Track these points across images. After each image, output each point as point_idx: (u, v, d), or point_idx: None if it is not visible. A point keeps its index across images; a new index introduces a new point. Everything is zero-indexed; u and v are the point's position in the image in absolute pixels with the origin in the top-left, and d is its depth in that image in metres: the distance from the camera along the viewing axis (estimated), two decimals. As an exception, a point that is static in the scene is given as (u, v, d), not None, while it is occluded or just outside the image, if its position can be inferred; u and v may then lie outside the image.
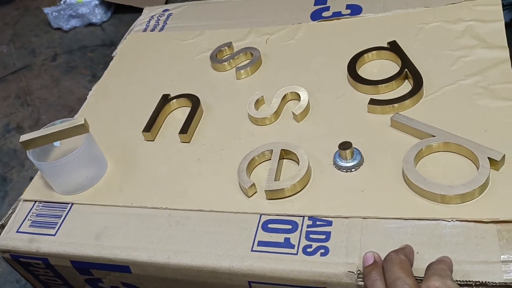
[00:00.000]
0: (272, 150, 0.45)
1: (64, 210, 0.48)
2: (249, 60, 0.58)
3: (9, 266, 0.50)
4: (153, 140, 0.52)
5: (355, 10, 0.62)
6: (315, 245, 0.39)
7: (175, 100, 0.55)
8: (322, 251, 0.38)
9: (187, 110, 0.54)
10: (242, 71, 0.57)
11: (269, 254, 0.39)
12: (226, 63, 0.59)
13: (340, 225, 0.39)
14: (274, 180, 0.43)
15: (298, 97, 0.51)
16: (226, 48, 0.61)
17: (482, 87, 0.46)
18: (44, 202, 0.49)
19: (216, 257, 0.40)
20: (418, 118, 0.44)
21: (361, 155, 0.44)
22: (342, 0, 0.64)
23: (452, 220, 0.37)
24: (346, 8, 0.62)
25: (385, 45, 0.53)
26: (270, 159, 0.45)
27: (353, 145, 0.43)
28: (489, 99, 0.45)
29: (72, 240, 0.45)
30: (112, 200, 0.47)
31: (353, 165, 0.43)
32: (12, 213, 0.50)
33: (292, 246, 0.39)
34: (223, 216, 0.43)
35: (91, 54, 1.23)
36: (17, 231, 0.48)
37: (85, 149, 0.48)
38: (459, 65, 0.49)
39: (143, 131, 0.52)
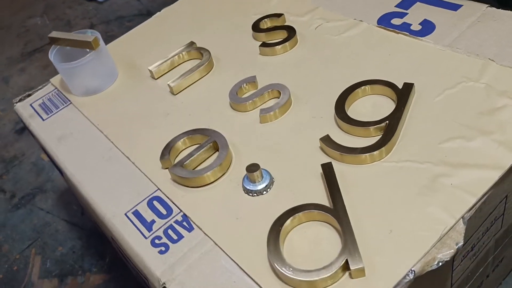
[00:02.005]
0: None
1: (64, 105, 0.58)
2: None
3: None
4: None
5: (426, 29, 0.52)
6: (163, 240, 0.39)
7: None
8: (163, 248, 0.39)
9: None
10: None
11: (132, 225, 0.42)
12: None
13: (195, 237, 0.39)
14: (193, 169, 0.44)
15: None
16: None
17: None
18: (58, 91, 0.59)
19: (106, 201, 0.44)
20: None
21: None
22: (423, 13, 0.54)
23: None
24: (419, 23, 0.53)
25: (400, 84, 0.45)
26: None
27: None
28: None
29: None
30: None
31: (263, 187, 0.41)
32: (40, 88, 0.62)
33: (150, 230, 0.41)
34: (136, 171, 0.46)
35: (129, 24, 1.21)
36: (31, 104, 0.59)
37: (94, 59, 0.55)
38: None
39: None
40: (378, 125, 0.41)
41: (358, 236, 0.35)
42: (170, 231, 0.40)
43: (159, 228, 0.40)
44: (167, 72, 0.57)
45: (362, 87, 0.46)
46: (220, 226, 0.39)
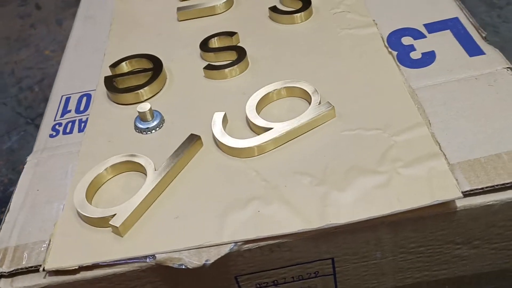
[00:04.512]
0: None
1: None
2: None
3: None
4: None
5: (422, 62, 0.44)
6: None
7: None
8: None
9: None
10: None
11: (54, 106, 0.50)
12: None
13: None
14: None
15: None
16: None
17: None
18: None
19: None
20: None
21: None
22: (438, 43, 0.45)
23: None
24: (424, 52, 0.45)
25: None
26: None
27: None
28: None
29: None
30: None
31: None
32: None
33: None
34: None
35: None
36: None
37: None
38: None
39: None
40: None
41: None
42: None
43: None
44: None
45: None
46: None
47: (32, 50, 1.08)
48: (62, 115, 0.49)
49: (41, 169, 0.43)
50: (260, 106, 0.44)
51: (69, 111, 0.49)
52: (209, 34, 0.53)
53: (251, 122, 0.42)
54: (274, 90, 0.44)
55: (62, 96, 0.51)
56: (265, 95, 0.44)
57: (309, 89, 0.43)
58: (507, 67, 0.41)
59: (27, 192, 0.41)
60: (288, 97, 0.44)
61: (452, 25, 0.47)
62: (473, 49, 0.44)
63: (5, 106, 0.95)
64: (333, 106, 0.41)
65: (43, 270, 0.35)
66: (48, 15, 1.19)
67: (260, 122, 0.41)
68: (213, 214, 0.36)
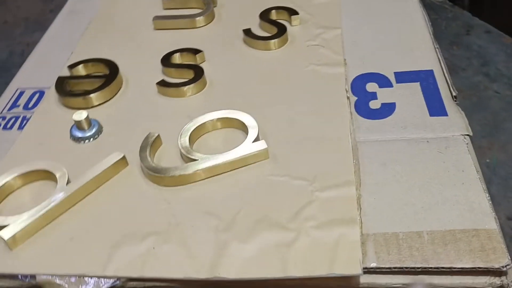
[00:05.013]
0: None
1: None
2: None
3: None
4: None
5: (379, 113, 0.41)
6: None
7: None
8: None
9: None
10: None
11: None
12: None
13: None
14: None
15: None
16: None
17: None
18: None
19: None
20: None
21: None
22: (402, 95, 0.42)
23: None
24: (385, 103, 0.41)
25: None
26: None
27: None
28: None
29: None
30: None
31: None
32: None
33: (4, 109, 0.47)
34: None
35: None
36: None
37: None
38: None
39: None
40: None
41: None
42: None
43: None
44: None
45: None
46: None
47: (45, 34, 1.10)
48: (9, 109, 0.48)
49: (-32, 162, 0.43)
50: (197, 133, 0.41)
51: (18, 106, 0.48)
52: (177, 48, 0.51)
53: (180, 149, 0.39)
54: (215, 118, 0.42)
55: (17, 89, 0.50)
56: (204, 122, 0.41)
57: (249, 123, 0.40)
58: (465, 134, 0.37)
59: None
60: (229, 128, 0.42)
61: (423, 77, 0.44)
62: (436, 108, 0.40)
63: (5, 85, 0.96)
64: (267, 147, 0.38)
65: None
66: (69, 2, 1.21)
67: (186, 151, 0.39)
68: (107, 243, 0.34)
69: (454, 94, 0.42)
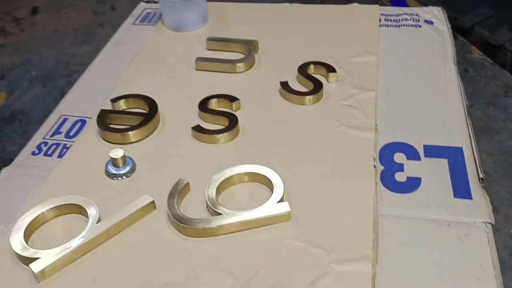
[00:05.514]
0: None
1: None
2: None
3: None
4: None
5: (405, 187, 0.41)
6: (41, 148, 0.49)
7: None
8: (33, 152, 0.48)
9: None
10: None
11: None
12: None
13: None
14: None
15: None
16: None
17: None
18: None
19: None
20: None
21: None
22: (429, 170, 0.42)
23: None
24: (411, 176, 0.42)
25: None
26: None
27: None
28: None
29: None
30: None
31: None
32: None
33: (47, 136, 0.50)
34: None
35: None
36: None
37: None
38: None
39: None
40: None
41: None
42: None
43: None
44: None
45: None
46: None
47: (92, 47, 1.15)
48: (52, 135, 0.51)
49: (8, 185, 0.45)
50: (225, 185, 0.43)
51: (60, 133, 0.51)
52: (218, 92, 0.53)
53: (206, 200, 0.41)
54: (243, 172, 0.43)
55: (61, 115, 0.53)
56: (232, 175, 0.43)
57: (276, 182, 0.42)
58: (487, 222, 0.38)
59: (-16, 205, 0.43)
60: (255, 182, 0.43)
61: (452, 154, 0.44)
62: (461, 189, 0.41)
63: (49, 94, 1.01)
64: (290, 210, 0.39)
65: (-41, 289, 0.36)
66: (119, 18, 1.25)
67: (212, 204, 0.40)
68: (127, 289, 0.36)
69: (481, 176, 0.42)
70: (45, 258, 0.37)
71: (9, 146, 0.86)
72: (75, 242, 0.38)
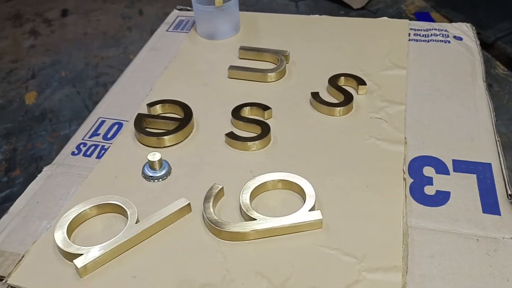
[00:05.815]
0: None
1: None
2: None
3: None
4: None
5: (435, 200, 0.42)
6: (80, 148, 0.51)
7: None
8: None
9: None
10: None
11: (88, 126, 0.54)
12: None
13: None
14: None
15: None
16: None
17: None
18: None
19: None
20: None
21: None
22: (458, 185, 0.43)
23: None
24: (440, 190, 0.43)
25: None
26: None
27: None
28: None
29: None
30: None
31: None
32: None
33: (87, 137, 0.52)
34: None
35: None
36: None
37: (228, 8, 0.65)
38: None
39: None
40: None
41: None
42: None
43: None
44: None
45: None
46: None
47: (120, 50, 1.17)
48: (90, 136, 0.53)
49: (50, 183, 0.47)
50: (258, 190, 0.44)
51: (98, 134, 0.53)
52: (250, 101, 0.55)
53: (240, 205, 0.42)
54: (277, 179, 0.45)
55: (99, 118, 0.55)
56: (265, 182, 0.44)
57: (308, 191, 0.43)
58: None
59: (28, 201, 0.45)
60: (288, 190, 0.45)
61: (481, 170, 0.45)
62: (490, 205, 0.42)
63: (78, 95, 1.04)
64: (322, 218, 0.40)
65: (5, 282, 0.38)
66: (146, 22, 1.29)
67: (246, 209, 0.42)
68: (167, 287, 0.37)
69: (509, 192, 0.43)
70: (87, 255, 0.38)
71: (39, 144, 0.89)
72: (115, 241, 0.39)
